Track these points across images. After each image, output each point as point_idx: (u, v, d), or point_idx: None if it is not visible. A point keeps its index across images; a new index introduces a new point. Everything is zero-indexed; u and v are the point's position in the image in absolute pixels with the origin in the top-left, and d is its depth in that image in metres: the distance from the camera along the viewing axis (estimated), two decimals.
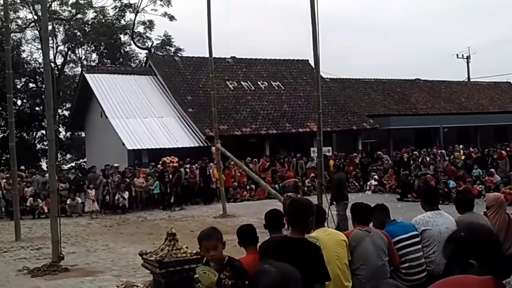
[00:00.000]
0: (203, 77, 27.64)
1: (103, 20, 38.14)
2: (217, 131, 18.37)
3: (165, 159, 20.97)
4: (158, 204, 20.11)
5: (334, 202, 12.40)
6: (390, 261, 4.83)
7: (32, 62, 37.53)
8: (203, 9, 17.00)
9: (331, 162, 22.58)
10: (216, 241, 3.66)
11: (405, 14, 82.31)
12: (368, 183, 22.76)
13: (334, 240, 4.52)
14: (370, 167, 24.12)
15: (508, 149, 21.94)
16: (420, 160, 22.08)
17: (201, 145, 24.16)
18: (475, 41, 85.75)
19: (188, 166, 21.43)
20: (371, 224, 5.11)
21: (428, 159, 22.17)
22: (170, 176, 20.07)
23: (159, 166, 20.95)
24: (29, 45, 38.46)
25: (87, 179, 20.54)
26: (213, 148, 18.43)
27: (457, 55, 46.28)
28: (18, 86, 36.04)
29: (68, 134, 38.13)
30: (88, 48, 39.41)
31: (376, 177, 22.74)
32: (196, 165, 21.68)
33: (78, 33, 37.29)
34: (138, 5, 37.82)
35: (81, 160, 38.36)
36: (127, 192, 19.44)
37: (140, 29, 39.36)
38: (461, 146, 23.96)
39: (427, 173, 20.55)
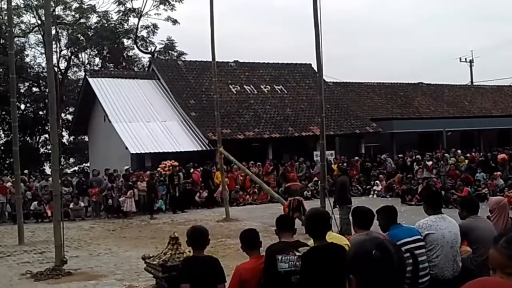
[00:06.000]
0: (206, 81, 27.67)
1: (106, 25, 38.22)
2: (220, 135, 18.37)
3: (159, 169, 21.17)
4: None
5: (337, 206, 12.37)
6: None
7: (36, 66, 37.74)
8: (206, 13, 17.05)
9: (334, 167, 22.54)
10: None
11: (407, 17, 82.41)
12: (374, 187, 22.65)
13: None
14: (373, 171, 24.04)
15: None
16: (423, 164, 22.00)
17: (204, 149, 24.17)
18: (478, 45, 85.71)
19: (185, 171, 21.50)
20: (376, 228, 5.09)
21: (431, 163, 22.08)
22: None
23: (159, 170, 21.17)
24: (33, 49, 38.53)
25: (89, 182, 20.59)
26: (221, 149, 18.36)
27: (460, 58, 46.33)
28: (22, 91, 36.17)
29: (72, 138, 38.19)
30: (91, 53, 39.52)
31: (378, 181, 22.66)
32: (184, 170, 21.66)
33: (82, 38, 37.37)
34: (142, 10, 37.95)
35: (84, 164, 38.44)
36: (127, 197, 19.32)
37: (143, 33, 39.50)
38: (459, 152, 23.77)
39: (430, 177, 20.51)
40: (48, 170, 30.60)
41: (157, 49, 39.68)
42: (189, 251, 5.48)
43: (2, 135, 37.53)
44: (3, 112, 34.71)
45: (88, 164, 34.75)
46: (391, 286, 1.95)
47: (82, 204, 19.64)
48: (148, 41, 39.80)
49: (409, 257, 4.71)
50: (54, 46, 12.45)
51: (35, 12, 35.61)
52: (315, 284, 3.68)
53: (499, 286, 1.87)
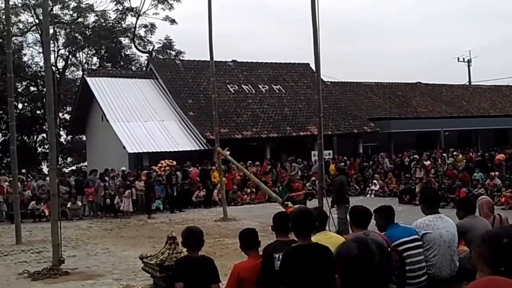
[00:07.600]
0: (204, 81, 27.66)
1: (104, 24, 38.18)
2: (218, 134, 18.36)
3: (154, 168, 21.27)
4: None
5: (335, 205, 12.36)
6: None
7: (33, 65, 37.75)
8: (204, 12, 17.04)
9: (332, 167, 22.51)
10: None
11: (405, 17, 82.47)
12: (371, 187, 22.63)
13: (335, 244, 4.50)
14: (366, 171, 23.99)
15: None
16: (420, 164, 22.01)
17: (202, 148, 24.17)
18: (476, 44, 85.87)
19: (188, 169, 21.46)
20: (373, 227, 5.09)
21: (428, 162, 22.09)
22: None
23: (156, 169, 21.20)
24: (30, 48, 38.80)
25: (85, 182, 20.57)
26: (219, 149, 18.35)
27: (458, 58, 46.37)
28: (19, 90, 36.14)
29: (69, 137, 38.16)
30: (89, 52, 39.50)
31: (375, 181, 22.65)
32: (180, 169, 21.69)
33: (79, 37, 37.33)
34: (140, 9, 37.91)
35: (82, 164, 38.38)
36: (124, 197, 19.27)
37: (141, 32, 39.48)
38: (454, 153, 23.76)
39: (428, 177, 20.51)
40: (45, 170, 30.56)
41: (155, 48, 39.70)
42: (187, 251, 5.49)
43: (0, 134, 37.48)
44: (1, 111, 34.67)
45: (86, 164, 34.71)
46: (372, 286, 1.94)
47: (79, 203, 19.59)
48: (146, 40, 39.84)
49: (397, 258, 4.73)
50: (52, 45, 12.44)
51: (32, 11, 35.59)
52: (292, 283, 3.69)
53: (505, 285, 1.87)
